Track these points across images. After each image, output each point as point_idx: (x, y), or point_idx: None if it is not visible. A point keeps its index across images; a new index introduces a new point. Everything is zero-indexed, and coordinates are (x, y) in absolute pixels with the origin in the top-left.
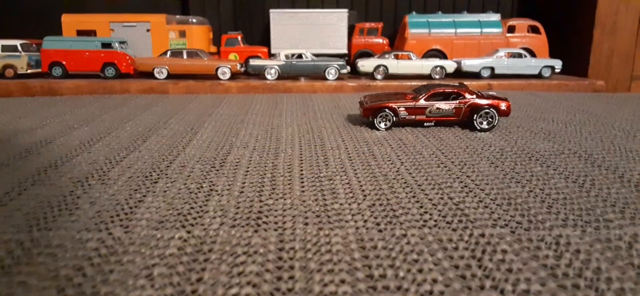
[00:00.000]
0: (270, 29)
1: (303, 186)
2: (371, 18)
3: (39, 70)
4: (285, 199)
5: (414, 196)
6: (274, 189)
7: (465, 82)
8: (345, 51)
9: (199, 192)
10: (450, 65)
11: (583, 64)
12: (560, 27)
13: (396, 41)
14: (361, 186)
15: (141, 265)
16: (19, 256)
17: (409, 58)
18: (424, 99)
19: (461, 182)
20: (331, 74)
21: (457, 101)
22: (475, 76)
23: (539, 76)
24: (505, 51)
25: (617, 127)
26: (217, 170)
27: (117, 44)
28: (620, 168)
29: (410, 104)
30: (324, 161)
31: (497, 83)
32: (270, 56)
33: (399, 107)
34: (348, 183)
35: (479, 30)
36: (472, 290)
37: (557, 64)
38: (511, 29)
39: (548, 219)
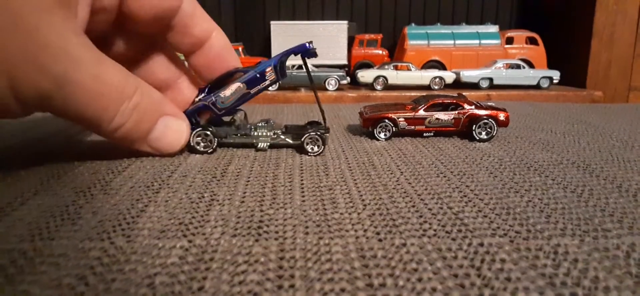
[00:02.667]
0: (271, 40)
1: (303, 196)
2: (371, 29)
3: None
4: (285, 209)
5: (413, 206)
6: (274, 198)
7: (464, 93)
8: (345, 61)
9: (201, 202)
10: (449, 76)
11: (581, 75)
12: (558, 38)
13: (396, 52)
14: (361, 195)
15: (143, 274)
16: (22, 266)
17: (409, 69)
18: (423, 110)
19: (460, 192)
20: (331, 85)
21: (456, 112)
22: (474, 86)
23: (537, 87)
24: (504, 62)
25: (615, 138)
26: (219, 180)
27: None
28: (619, 177)
29: (410, 114)
30: (324, 171)
31: (496, 94)
32: None
33: (398, 118)
34: (348, 193)
35: (477, 41)
36: None
37: (555, 74)
38: (509, 41)
39: (546, 229)
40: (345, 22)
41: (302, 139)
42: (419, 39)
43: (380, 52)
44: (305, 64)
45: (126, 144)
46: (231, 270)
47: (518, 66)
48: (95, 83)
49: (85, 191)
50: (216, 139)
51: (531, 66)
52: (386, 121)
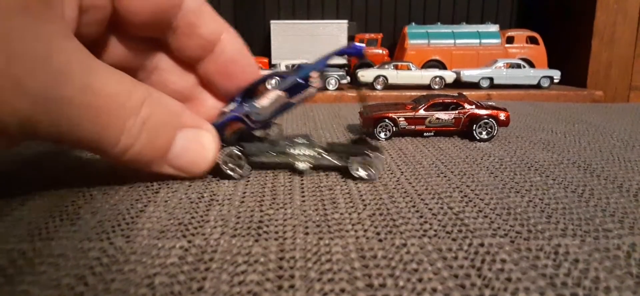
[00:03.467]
0: (271, 39)
1: (303, 196)
2: (371, 29)
3: None
4: (285, 209)
5: (413, 206)
6: (274, 198)
7: (464, 93)
8: (345, 61)
9: (200, 202)
10: (449, 75)
11: (582, 75)
12: (559, 37)
13: (396, 52)
14: (361, 195)
15: (143, 274)
16: (21, 266)
17: (409, 68)
18: (424, 110)
19: (461, 192)
20: (331, 85)
21: (457, 111)
22: (475, 86)
23: (537, 86)
24: (504, 61)
25: (615, 137)
26: (218, 180)
27: None
28: (619, 177)
29: (410, 114)
30: (324, 171)
31: (496, 93)
32: (271, 66)
33: (398, 118)
34: (348, 193)
35: (477, 41)
36: None
37: (556, 74)
38: (510, 40)
39: (547, 229)
40: (346, 21)
41: (352, 161)
42: (419, 39)
43: (380, 51)
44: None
45: (141, 167)
46: (231, 270)
47: (518, 66)
48: (87, 96)
49: (85, 191)
50: (248, 163)
51: (532, 65)
52: (386, 120)
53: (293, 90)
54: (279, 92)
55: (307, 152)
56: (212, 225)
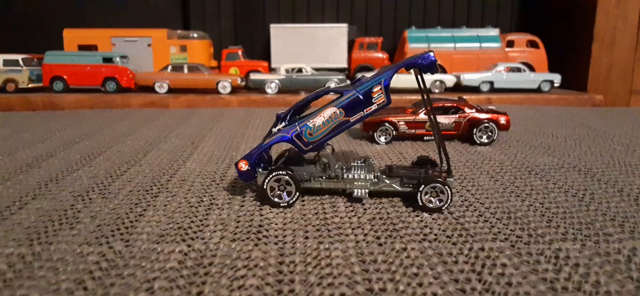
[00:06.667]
0: (271, 43)
1: (303, 200)
2: (371, 33)
3: (40, 84)
4: (285, 213)
5: (414, 210)
6: None
7: (464, 97)
8: (345, 65)
9: (200, 206)
10: (449, 79)
11: (582, 79)
12: (559, 42)
13: (396, 56)
14: (361, 199)
15: (142, 279)
16: (20, 270)
17: (409, 72)
18: (424, 113)
19: (461, 196)
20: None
21: (457, 115)
22: (475, 90)
23: (538, 90)
24: (504, 65)
25: (616, 142)
26: (218, 184)
27: (118, 59)
28: (620, 181)
29: (410, 118)
30: None
31: (497, 97)
32: (271, 70)
33: (398, 121)
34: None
35: (477, 45)
36: None
37: (556, 78)
38: (510, 44)
39: (548, 233)
40: (345, 25)
41: (424, 190)
42: (420, 42)
43: (380, 55)
44: (423, 81)
45: None
46: (230, 274)
47: (519, 70)
48: None
49: (84, 195)
50: (297, 189)
51: (532, 69)
52: (386, 124)
53: (352, 107)
54: (335, 110)
55: (365, 177)
56: (212, 229)
